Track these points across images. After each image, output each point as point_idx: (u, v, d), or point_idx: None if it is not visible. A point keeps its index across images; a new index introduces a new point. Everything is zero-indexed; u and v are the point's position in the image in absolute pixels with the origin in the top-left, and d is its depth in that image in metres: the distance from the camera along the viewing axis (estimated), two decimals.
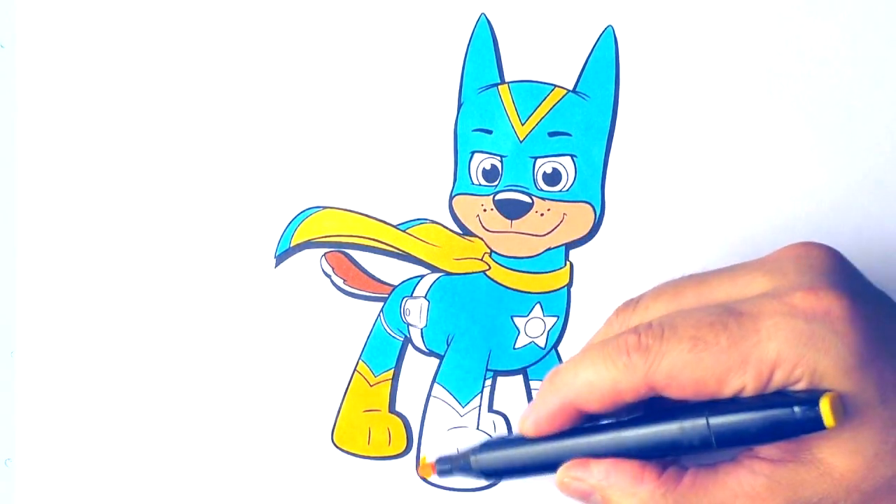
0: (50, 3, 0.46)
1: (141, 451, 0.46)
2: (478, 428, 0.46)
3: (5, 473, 0.47)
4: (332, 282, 0.46)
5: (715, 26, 0.45)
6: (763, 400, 0.37)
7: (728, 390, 0.37)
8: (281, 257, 0.46)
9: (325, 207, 0.46)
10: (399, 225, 0.46)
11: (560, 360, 0.45)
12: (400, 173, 0.46)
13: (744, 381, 0.37)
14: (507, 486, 0.46)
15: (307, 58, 0.46)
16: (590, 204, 0.45)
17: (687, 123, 0.45)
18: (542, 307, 0.45)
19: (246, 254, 0.46)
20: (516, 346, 0.46)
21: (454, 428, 0.46)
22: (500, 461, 0.42)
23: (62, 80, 0.46)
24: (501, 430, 0.46)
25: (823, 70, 0.45)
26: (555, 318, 0.45)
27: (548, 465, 0.41)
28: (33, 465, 0.46)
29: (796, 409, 0.36)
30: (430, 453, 0.45)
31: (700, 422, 0.38)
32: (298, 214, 0.46)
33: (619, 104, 0.45)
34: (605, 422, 0.40)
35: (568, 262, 0.45)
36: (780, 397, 0.37)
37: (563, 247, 0.45)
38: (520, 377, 0.46)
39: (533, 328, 0.45)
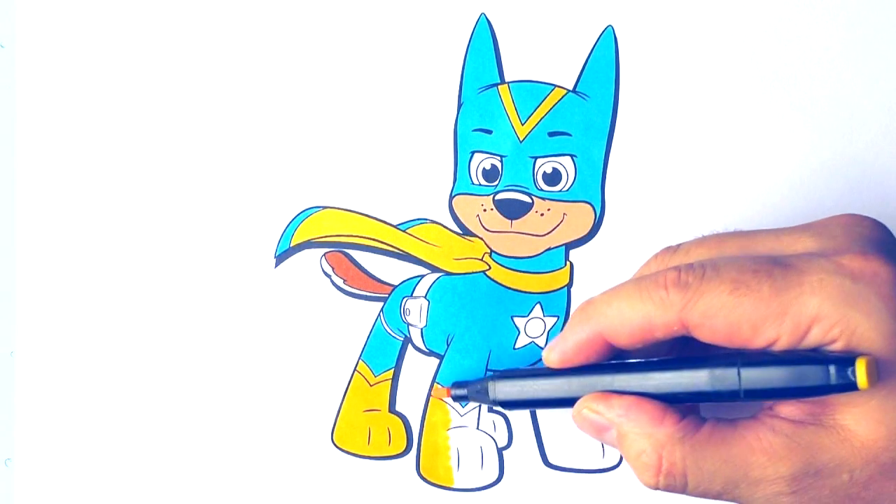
0: (50, 3, 0.46)
1: (141, 451, 0.46)
2: (478, 428, 0.46)
3: (5, 473, 0.47)
4: (332, 282, 0.46)
5: (715, 26, 0.45)
6: (796, 355, 0.36)
7: (761, 340, 0.37)
8: (281, 257, 0.46)
9: (325, 207, 0.46)
10: (399, 225, 0.46)
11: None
12: (400, 173, 0.46)
13: (778, 333, 0.36)
14: (509, 485, 0.46)
15: (307, 58, 0.46)
16: (590, 204, 0.45)
17: (687, 123, 0.45)
18: (542, 307, 0.45)
19: (246, 254, 0.46)
20: (516, 347, 0.46)
21: (454, 428, 0.46)
22: (518, 391, 0.41)
23: (62, 80, 0.46)
24: (502, 431, 0.46)
25: (823, 70, 0.45)
26: (555, 319, 0.45)
27: (567, 400, 0.40)
28: (33, 465, 0.46)
29: (831, 367, 0.35)
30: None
31: (731, 371, 0.37)
32: (298, 214, 0.46)
33: (619, 104, 0.45)
34: (631, 360, 0.40)
35: (568, 262, 0.45)
36: (814, 353, 0.36)
37: (563, 247, 0.45)
38: None
39: (533, 328, 0.45)
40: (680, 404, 0.39)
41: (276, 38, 0.46)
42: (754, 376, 0.37)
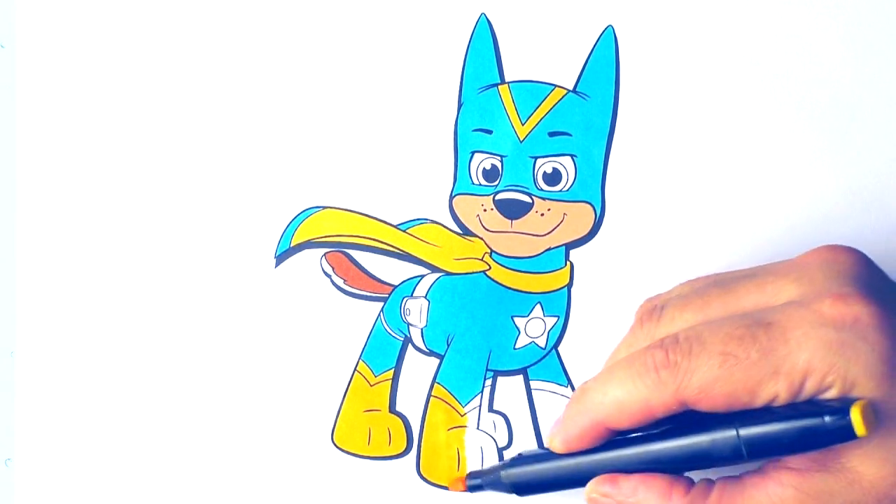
0: (50, 3, 0.46)
1: (141, 451, 0.46)
2: (478, 428, 0.46)
3: (5, 473, 0.47)
4: (332, 282, 0.46)
5: (715, 26, 0.45)
6: (793, 410, 0.37)
7: (760, 400, 0.37)
8: (281, 257, 0.46)
9: (325, 207, 0.46)
10: (399, 225, 0.46)
11: (560, 360, 0.45)
12: (400, 173, 0.46)
13: (776, 391, 0.37)
14: None
15: (307, 58, 0.46)
16: (590, 204, 0.45)
17: (687, 124, 0.45)
18: (542, 307, 0.45)
19: (246, 254, 0.46)
20: (516, 346, 0.46)
21: (454, 428, 0.46)
22: (529, 476, 0.42)
23: (62, 80, 0.46)
24: (502, 431, 0.46)
25: (824, 70, 0.45)
26: (555, 318, 0.45)
27: (577, 480, 0.41)
28: (33, 465, 0.46)
29: (827, 418, 0.36)
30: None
31: (730, 433, 0.37)
32: (298, 214, 0.46)
33: (619, 104, 0.45)
34: (634, 435, 0.40)
35: (568, 262, 0.45)
36: (811, 406, 0.37)
37: (564, 247, 0.45)
38: (520, 377, 0.46)
39: (533, 328, 0.45)
40: (688, 471, 0.39)
41: (277, 38, 0.46)
42: (754, 435, 0.37)
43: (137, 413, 0.46)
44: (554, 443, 0.41)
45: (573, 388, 0.45)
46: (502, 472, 0.43)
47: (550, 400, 0.46)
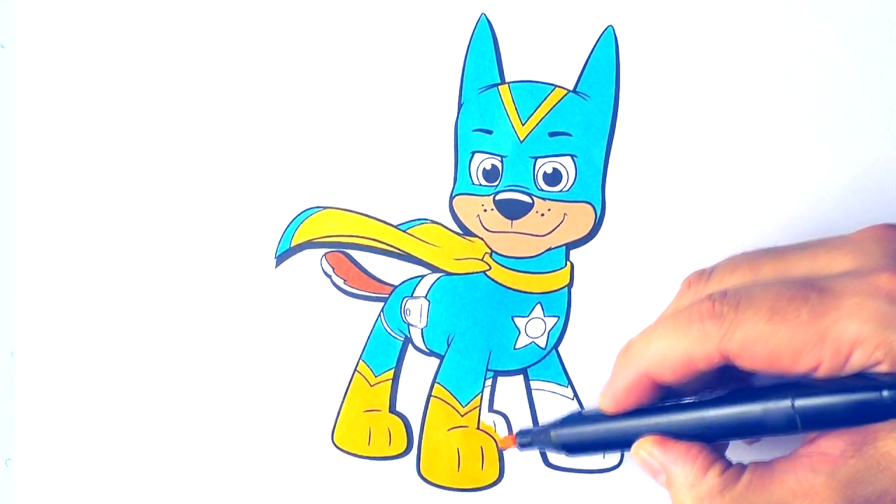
0: (50, 3, 0.46)
1: (141, 451, 0.46)
2: (478, 428, 0.46)
3: (5, 473, 0.47)
4: (332, 282, 0.46)
5: (715, 26, 0.45)
6: (847, 382, 0.36)
7: (802, 366, 0.37)
8: (281, 257, 0.46)
9: (325, 207, 0.46)
10: (399, 225, 0.46)
11: (560, 360, 0.45)
12: (400, 173, 0.46)
13: (819, 358, 0.36)
14: (509, 485, 0.46)
15: (307, 58, 0.46)
16: (590, 204, 0.45)
17: (687, 123, 0.45)
18: (542, 307, 0.45)
19: (246, 254, 0.46)
20: (517, 347, 0.46)
21: (454, 428, 0.46)
22: (580, 436, 0.42)
23: (62, 80, 0.46)
24: (502, 430, 0.46)
25: (823, 70, 0.45)
26: (555, 319, 0.45)
27: (627, 442, 0.41)
28: (33, 465, 0.46)
29: (885, 393, 0.36)
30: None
31: (785, 403, 0.37)
32: (298, 214, 0.46)
33: (619, 104, 0.45)
34: (686, 400, 0.40)
35: (568, 263, 0.45)
36: (864, 380, 0.36)
37: (564, 247, 0.45)
38: (520, 377, 0.46)
39: (533, 328, 0.45)
40: (739, 439, 0.39)
41: (277, 38, 0.46)
42: (809, 407, 0.37)
43: (138, 413, 0.46)
44: (605, 402, 0.41)
45: (573, 388, 0.45)
46: (552, 432, 0.43)
47: (550, 400, 0.46)
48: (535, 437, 0.44)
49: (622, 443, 0.41)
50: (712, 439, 0.40)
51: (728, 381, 0.41)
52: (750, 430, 0.38)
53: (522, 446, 0.44)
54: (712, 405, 0.39)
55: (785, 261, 0.39)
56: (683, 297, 0.41)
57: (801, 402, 0.37)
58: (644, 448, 0.40)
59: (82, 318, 0.46)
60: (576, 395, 0.45)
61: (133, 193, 0.46)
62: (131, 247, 0.46)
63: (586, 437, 0.42)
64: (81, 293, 0.46)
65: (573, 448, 0.43)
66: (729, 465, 0.39)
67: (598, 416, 0.42)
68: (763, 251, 0.41)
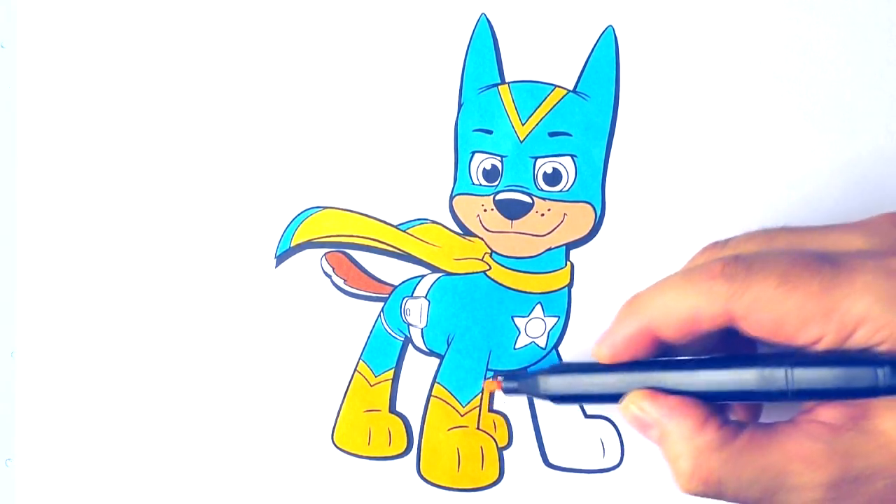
0: (50, 3, 0.46)
1: (141, 451, 0.46)
2: (478, 428, 0.46)
3: (5, 473, 0.47)
4: (332, 282, 0.46)
5: (715, 26, 0.45)
6: (846, 356, 0.37)
7: (805, 337, 0.37)
8: (281, 257, 0.46)
9: (325, 207, 0.46)
10: (399, 225, 0.46)
11: (560, 360, 0.45)
12: (400, 173, 0.46)
13: (823, 331, 0.36)
14: (509, 485, 0.46)
15: (307, 58, 0.46)
16: (590, 204, 0.45)
17: (687, 123, 0.45)
18: (542, 307, 0.45)
19: (246, 254, 0.46)
20: (517, 347, 0.46)
21: (454, 428, 0.46)
22: (569, 386, 0.42)
23: (62, 80, 0.46)
24: (502, 430, 0.46)
25: (823, 70, 0.45)
26: (555, 319, 0.45)
27: (617, 396, 0.40)
28: (33, 465, 0.46)
29: (881, 370, 0.36)
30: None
31: (780, 371, 0.37)
32: (298, 214, 0.46)
33: (619, 104, 0.45)
34: (680, 358, 0.40)
35: (568, 263, 0.45)
36: (862, 356, 0.36)
37: (564, 247, 0.45)
38: None
39: (533, 328, 0.45)
40: (723, 402, 0.39)
41: (277, 38, 0.46)
42: (804, 377, 0.37)
43: (138, 413, 0.46)
44: (601, 350, 0.41)
45: None
46: (541, 378, 0.42)
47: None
48: (521, 384, 0.43)
49: (612, 396, 0.41)
50: (705, 400, 0.39)
51: (724, 351, 0.41)
52: (743, 394, 0.38)
53: (508, 391, 0.44)
54: (708, 365, 0.39)
55: (800, 236, 0.39)
56: (697, 260, 0.41)
57: (799, 372, 0.37)
58: (635, 402, 0.40)
59: (82, 318, 0.46)
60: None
61: (133, 193, 0.46)
62: (131, 247, 0.46)
63: (575, 387, 0.42)
64: (81, 293, 0.46)
65: (560, 398, 0.42)
66: (725, 421, 0.39)
67: (588, 366, 0.41)
68: (778, 228, 0.41)
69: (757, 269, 0.37)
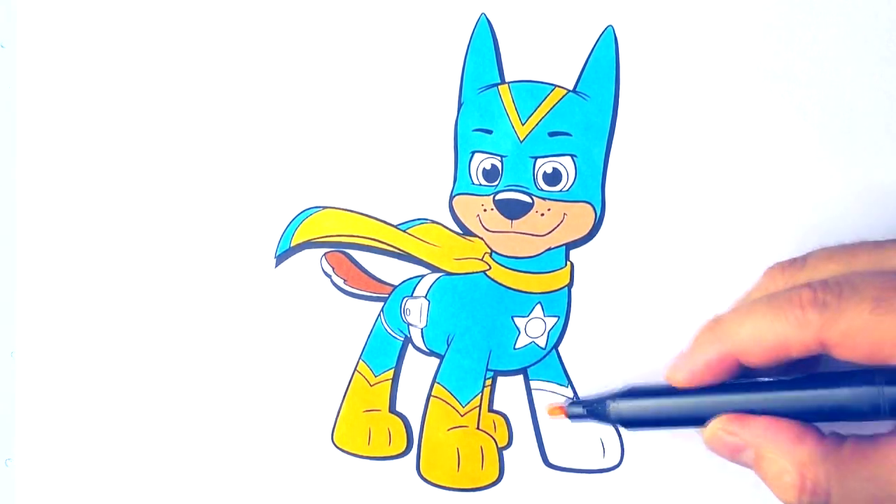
0: (50, 3, 0.46)
1: (141, 451, 0.46)
2: (478, 428, 0.46)
3: (5, 473, 0.47)
4: (332, 282, 0.46)
5: (715, 26, 0.45)
6: None
7: None
8: (281, 257, 0.46)
9: (325, 207, 0.46)
10: (399, 225, 0.46)
11: (560, 360, 0.45)
12: (400, 173, 0.46)
13: None
14: (509, 485, 0.46)
15: (307, 58, 0.46)
16: (590, 204, 0.45)
17: (687, 124, 0.45)
18: (542, 307, 0.45)
19: (246, 254, 0.46)
20: (517, 347, 0.46)
21: (454, 428, 0.46)
22: (643, 410, 0.40)
23: (62, 80, 0.46)
24: (502, 430, 0.46)
25: (824, 71, 0.45)
26: (555, 319, 0.45)
27: (694, 420, 0.40)
28: (33, 465, 0.46)
29: None
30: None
31: (872, 389, 0.37)
32: (298, 214, 0.46)
33: (619, 104, 0.45)
34: (762, 380, 0.39)
35: (568, 263, 0.45)
36: None
37: (564, 247, 0.45)
38: (520, 377, 0.46)
39: (533, 328, 0.45)
40: (813, 423, 0.39)
41: (277, 38, 0.46)
42: None
43: (138, 413, 0.46)
44: (678, 375, 0.40)
45: (573, 389, 0.45)
46: (611, 403, 0.41)
47: (550, 400, 0.46)
48: (589, 409, 0.42)
49: (688, 420, 0.40)
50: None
51: (797, 366, 0.40)
52: (832, 413, 0.37)
53: (574, 417, 0.43)
54: (793, 387, 0.38)
55: (884, 252, 0.39)
56: (775, 281, 0.40)
57: (891, 390, 0.36)
58: (723, 427, 0.39)
59: (82, 318, 0.46)
60: (576, 395, 0.45)
61: (133, 194, 0.46)
62: (131, 247, 0.46)
63: (648, 412, 0.40)
64: (81, 293, 0.46)
65: (632, 422, 0.41)
66: (821, 434, 0.38)
67: (661, 390, 0.40)
68: (858, 243, 0.40)
69: (848, 296, 0.36)
